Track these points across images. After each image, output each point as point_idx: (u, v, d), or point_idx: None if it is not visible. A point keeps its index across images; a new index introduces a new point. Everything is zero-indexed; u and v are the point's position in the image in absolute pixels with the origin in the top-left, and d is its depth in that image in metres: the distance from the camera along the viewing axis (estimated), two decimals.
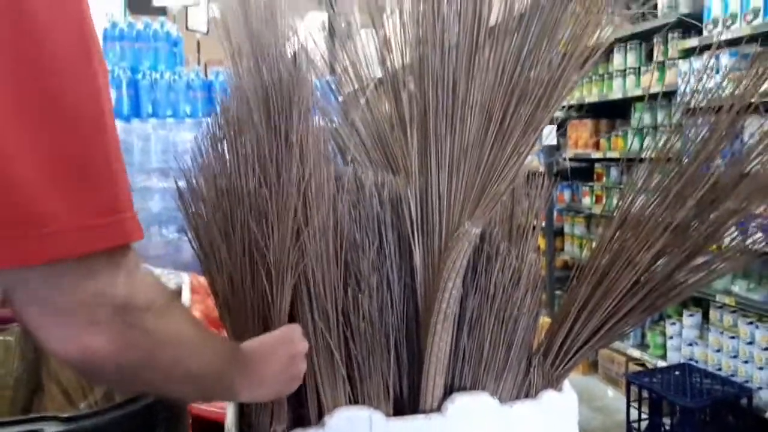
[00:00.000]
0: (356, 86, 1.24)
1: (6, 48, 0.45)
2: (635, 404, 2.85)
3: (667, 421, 2.75)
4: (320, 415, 0.91)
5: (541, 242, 4.56)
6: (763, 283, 2.79)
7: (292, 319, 0.89)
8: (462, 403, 0.94)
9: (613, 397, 3.36)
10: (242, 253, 0.90)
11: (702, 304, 3.19)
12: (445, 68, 0.87)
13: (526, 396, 0.99)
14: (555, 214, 4.25)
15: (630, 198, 0.95)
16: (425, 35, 0.90)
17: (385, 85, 1.13)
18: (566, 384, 1.02)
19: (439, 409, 0.93)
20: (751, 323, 2.80)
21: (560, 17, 0.83)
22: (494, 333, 0.95)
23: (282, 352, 0.78)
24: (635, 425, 2.85)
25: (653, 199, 0.87)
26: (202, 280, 1.91)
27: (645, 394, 2.82)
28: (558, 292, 4.11)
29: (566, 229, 4.26)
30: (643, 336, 3.56)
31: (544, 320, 1.04)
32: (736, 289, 2.88)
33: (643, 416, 2.84)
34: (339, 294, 0.89)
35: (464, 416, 0.94)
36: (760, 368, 2.72)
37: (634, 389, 2.85)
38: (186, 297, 1.60)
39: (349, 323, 0.90)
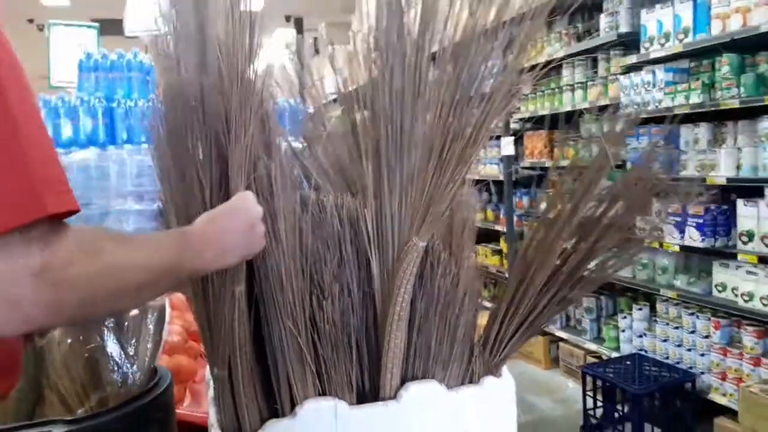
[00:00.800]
0: (318, 107, 1.40)
1: None
2: (591, 393, 3.05)
3: (620, 407, 2.96)
4: (292, 407, 1.06)
5: (504, 246, 4.77)
6: (702, 277, 3.03)
7: (262, 325, 1.04)
8: (414, 390, 1.10)
9: (573, 388, 3.56)
10: None
11: (650, 298, 3.43)
12: (394, 110, 1.05)
13: (470, 382, 1.15)
14: (515, 219, 4.46)
15: (548, 204, 1.14)
16: (377, 81, 1.07)
17: (342, 118, 1.29)
18: (504, 370, 1.20)
19: (395, 397, 1.10)
20: (692, 314, 3.04)
21: (484, 73, 1.01)
22: (440, 329, 1.11)
23: (239, 219, 0.86)
24: (591, 413, 3.05)
25: (564, 204, 1.05)
26: (180, 296, 2.04)
27: (600, 383, 3.03)
28: None
29: (526, 233, 4.47)
30: (599, 330, 3.78)
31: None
32: (678, 283, 3.11)
33: (599, 404, 3.05)
34: (305, 301, 1.05)
35: (417, 402, 1.10)
36: (702, 354, 2.95)
37: (589, 380, 3.06)
38: (167, 312, 1.73)
39: (315, 326, 1.05)
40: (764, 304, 2.62)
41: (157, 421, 1.06)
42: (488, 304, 3.28)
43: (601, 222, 1.02)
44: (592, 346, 3.70)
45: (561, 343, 4.03)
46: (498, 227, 4.70)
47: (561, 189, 1.16)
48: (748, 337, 2.74)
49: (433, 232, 1.10)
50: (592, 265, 1.04)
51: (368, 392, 1.12)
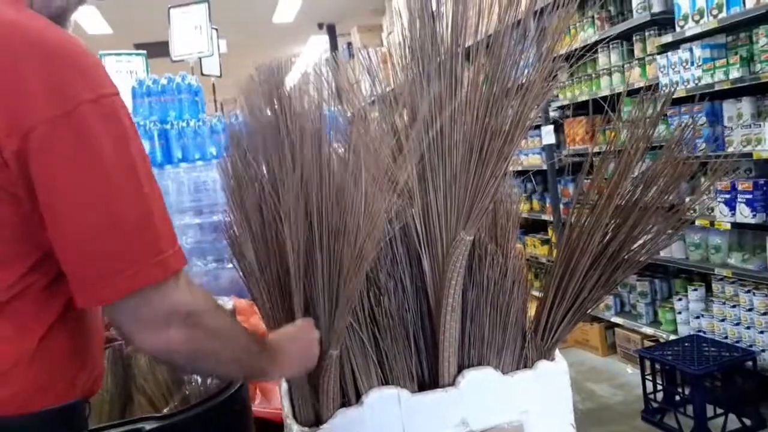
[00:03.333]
0: (357, 111, 1.47)
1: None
2: (650, 377, 3.04)
3: (680, 390, 2.94)
4: (358, 397, 1.14)
5: (552, 235, 4.75)
6: (756, 254, 2.97)
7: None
8: (471, 377, 1.17)
9: (632, 373, 3.53)
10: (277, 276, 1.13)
11: (704, 278, 3.38)
12: (433, 113, 1.12)
13: (524, 367, 1.21)
14: (562, 207, 4.45)
15: (587, 190, 1.18)
16: (414, 86, 1.14)
17: (386, 124, 1.37)
18: (557, 354, 1.25)
19: (453, 383, 1.16)
20: (748, 292, 2.99)
21: (518, 65, 1.07)
22: (491, 318, 1.18)
23: (301, 338, 1.03)
24: (652, 396, 3.03)
25: (603, 189, 1.10)
26: (243, 301, 2.16)
27: (659, 367, 3.01)
28: None
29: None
30: (655, 314, 3.74)
31: None
32: (732, 261, 3.06)
33: (659, 388, 3.02)
34: (364, 298, 1.13)
35: (474, 387, 1.17)
36: (761, 332, 2.90)
37: (647, 364, 3.04)
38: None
39: (375, 321, 1.13)
40: None
41: (236, 414, 1.16)
42: (539, 294, 3.30)
43: (637, 204, 1.06)
44: (649, 330, 3.66)
45: (617, 329, 3.99)
46: (545, 217, 4.69)
47: (599, 174, 1.20)
48: None
49: (478, 226, 1.17)
50: (635, 246, 1.08)
51: (428, 380, 1.20)
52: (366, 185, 1.00)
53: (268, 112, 1.15)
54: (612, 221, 1.08)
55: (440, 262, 1.15)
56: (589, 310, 1.18)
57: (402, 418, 1.14)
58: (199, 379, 1.19)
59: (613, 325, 4.06)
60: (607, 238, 1.09)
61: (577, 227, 1.14)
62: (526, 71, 1.10)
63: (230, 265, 2.41)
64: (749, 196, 2.84)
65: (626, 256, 1.08)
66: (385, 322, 1.13)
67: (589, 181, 1.22)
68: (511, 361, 1.21)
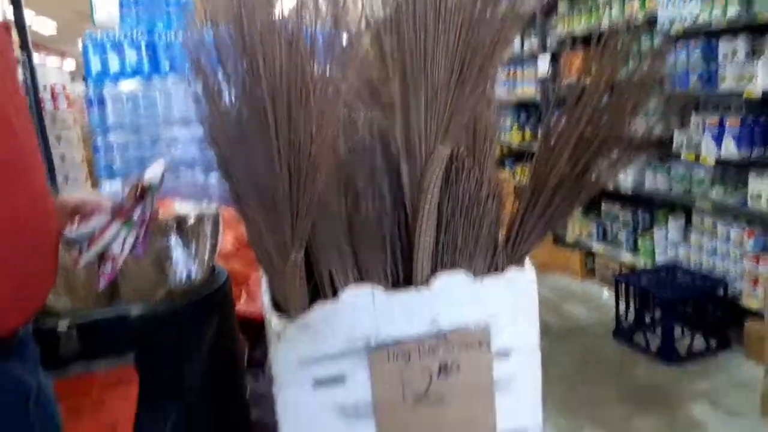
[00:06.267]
0: (349, 33, 1.49)
1: None
2: (624, 300, 3.17)
3: (651, 313, 3.08)
4: (333, 294, 1.22)
5: None
6: (738, 188, 3.04)
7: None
8: (443, 279, 1.24)
9: (608, 297, 3.68)
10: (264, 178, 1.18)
11: (686, 211, 3.46)
12: (417, 32, 1.14)
13: (495, 271, 1.28)
14: None
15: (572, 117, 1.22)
16: (401, 6, 1.15)
17: (370, 40, 1.38)
18: (527, 262, 1.32)
19: (426, 283, 1.24)
20: (727, 224, 3.07)
21: None
22: (465, 227, 1.24)
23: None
24: (623, 317, 3.18)
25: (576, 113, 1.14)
26: (231, 211, 2.22)
27: (633, 292, 3.14)
28: None
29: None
30: (635, 243, 3.85)
31: None
32: (714, 195, 3.13)
33: (631, 309, 3.17)
34: (342, 204, 1.18)
35: (446, 289, 1.24)
36: (735, 262, 3.01)
37: (622, 287, 3.17)
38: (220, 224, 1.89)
39: (352, 225, 1.19)
40: None
41: (219, 308, 1.23)
42: None
43: (598, 133, 1.12)
44: (628, 257, 3.78)
45: (597, 257, 4.12)
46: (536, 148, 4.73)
47: (582, 106, 1.23)
48: None
49: (456, 141, 1.21)
50: (595, 170, 1.14)
51: (402, 282, 1.27)
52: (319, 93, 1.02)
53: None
54: (578, 147, 1.14)
55: (418, 173, 1.19)
56: (556, 226, 1.25)
57: (375, 315, 1.22)
58: (184, 274, 1.26)
59: (593, 254, 4.18)
60: (573, 161, 1.14)
61: (548, 150, 1.19)
62: None
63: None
64: (736, 132, 2.88)
65: (591, 178, 1.14)
66: (361, 226, 1.18)
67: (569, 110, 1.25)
68: (482, 267, 1.28)
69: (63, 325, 1.07)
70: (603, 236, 4.15)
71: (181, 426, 1.19)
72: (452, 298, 1.25)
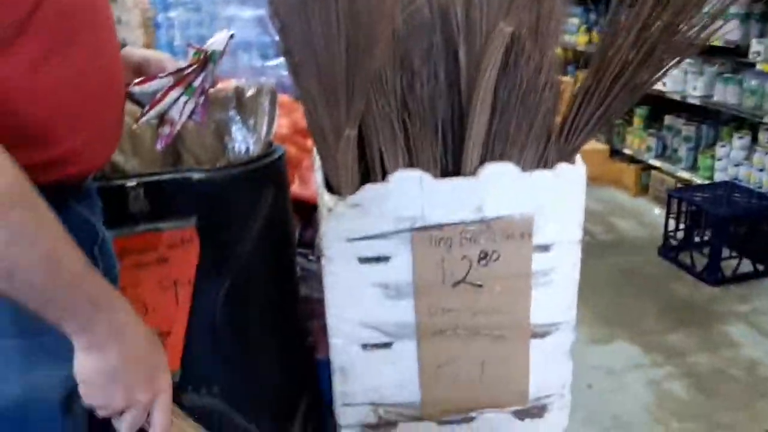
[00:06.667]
0: None
1: None
2: (674, 217, 3.11)
3: (702, 232, 3.02)
4: (383, 177, 1.24)
5: None
6: None
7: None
8: (492, 169, 1.24)
9: (659, 214, 3.61)
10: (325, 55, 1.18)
11: (754, 127, 3.29)
12: None
13: (545, 167, 1.28)
14: None
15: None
16: None
17: None
18: (578, 158, 1.30)
19: (474, 173, 1.24)
20: None
21: None
22: (519, 115, 1.22)
23: (148, 338, 0.70)
24: (672, 234, 3.13)
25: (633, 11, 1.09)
26: (287, 97, 2.23)
27: (686, 208, 3.07)
28: (619, 121, 4.26)
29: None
30: (695, 160, 3.71)
31: None
32: None
33: (681, 227, 3.11)
34: (397, 85, 1.17)
35: (494, 179, 1.24)
36: None
37: (675, 203, 3.10)
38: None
39: (406, 107, 1.19)
40: None
41: (274, 181, 1.28)
42: None
43: (661, 19, 1.05)
44: (685, 175, 3.66)
45: (653, 172, 4.00)
46: None
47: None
48: None
49: (519, 20, 1.16)
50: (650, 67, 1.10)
51: (451, 170, 1.28)
52: None
53: None
54: (641, 34, 1.08)
55: (477, 52, 1.17)
56: (610, 121, 1.22)
57: (422, 199, 1.24)
58: (242, 148, 1.30)
59: (650, 168, 4.06)
60: (636, 48, 1.09)
61: (611, 38, 1.14)
62: None
63: (275, 62, 2.45)
64: None
65: (652, 68, 1.09)
66: (415, 108, 1.18)
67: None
68: (532, 159, 1.27)
69: (132, 182, 1.13)
70: (662, 151, 4.01)
71: (234, 293, 1.28)
72: (499, 189, 1.25)
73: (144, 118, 0.98)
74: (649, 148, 4.06)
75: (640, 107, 4.17)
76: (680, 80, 3.69)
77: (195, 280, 1.23)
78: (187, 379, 1.25)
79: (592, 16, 4.81)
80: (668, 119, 3.98)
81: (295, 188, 1.73)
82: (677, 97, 3.71)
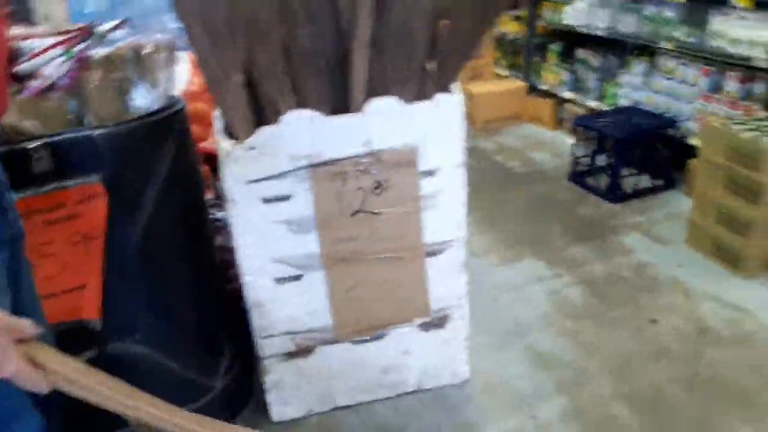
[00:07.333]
0: None
1: None
2: (582, 144, 3.31)
3: (606, 155, 3.23)
4: (275, 121, 1.33)
5: (524, 12, 4.71)
6: (701, 27, 3.06)
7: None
8: (377, 104, 1.35)
9: (572, 144, 3.82)
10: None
11: (653, 54, 3.49)
12: None
13: (424, 99, 1.39)
14: None
15: None
16: None
17: None
18: (455, 88, 1.42)
19: (361, 109, 1.35)
20: (684, 64, 3.13)
21: None
22: (395, 57, 1.32)
23: None
24: (579, 160, 3.34)
25: None
26: None
27: (591, 135, 3.27)
28: (535, 58, 4.41)
29: None
30: (603, 89, 3.92)
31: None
32: (677, 35, 3.16)
33: (588, 153, 3.32)
34: (280, 29, 1.25)
35: (379, 113, 1.36)
36: (689, 102, 3.11)
37: (581, 131, 3.29)
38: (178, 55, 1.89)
39: (290, 51, 1.28)
40: (751, 50, 2.70)
41: (175, 134, 1.35)
42: (506, 72, 3.50)
43: None
44: (594, 104, 3.86)
45: (567, 104, 4.20)
46: None
47: None
48: (732, 83, 2.87)
49: None
50: None
51: (341, 109, 1.38)
52: None
53: None
54: None
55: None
56: (475, 44, 1.33)
57: (314, 137, 1.34)
58: (144, 104, 1.35)
59: (565, 101, 4.25)
60: None
61: None
62: None
63: None
64: None
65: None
66: (297, 49, 1.27)
67: None
68: (412, 93, 1.39)
69: (34, 144, 1.18)
70: (575, 85, 4.20)
71: (146, 242, 1.33)
72: (384, 122, 1.37)
73: (20, 67, 1.04)
74: (562, 83, 4.24)
75: (555, 44, 4.32)
76: (587, 14, 3.85)
77: (107, 233, 1.29)
78: (110, 328, 1.32)
79: None
80: (579, 53, 4.16)
81: (207, 144, 1.79)
82: (585, 31, 3.88)
